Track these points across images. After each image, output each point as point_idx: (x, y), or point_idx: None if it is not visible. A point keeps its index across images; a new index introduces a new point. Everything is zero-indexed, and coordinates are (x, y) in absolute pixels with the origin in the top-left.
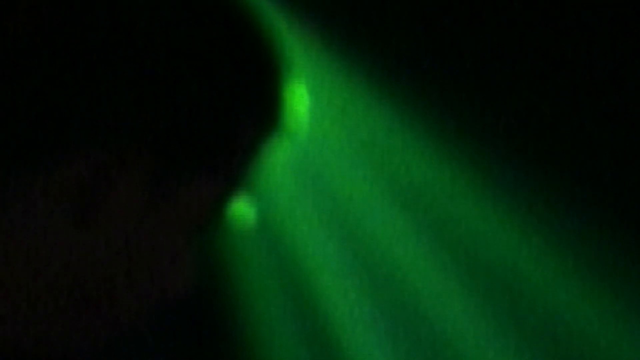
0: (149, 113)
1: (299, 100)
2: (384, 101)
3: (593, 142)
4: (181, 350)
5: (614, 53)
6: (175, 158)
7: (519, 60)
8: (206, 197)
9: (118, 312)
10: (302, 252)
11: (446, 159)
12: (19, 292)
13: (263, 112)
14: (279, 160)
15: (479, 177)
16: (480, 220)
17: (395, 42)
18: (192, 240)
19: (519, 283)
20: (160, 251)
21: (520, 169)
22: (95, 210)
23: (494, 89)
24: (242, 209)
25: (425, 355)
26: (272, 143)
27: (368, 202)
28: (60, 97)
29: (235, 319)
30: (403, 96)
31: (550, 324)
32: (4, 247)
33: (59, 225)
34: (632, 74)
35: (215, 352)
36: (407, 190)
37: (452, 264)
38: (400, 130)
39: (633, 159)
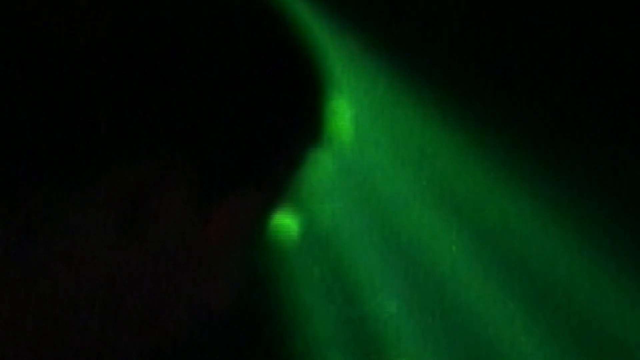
0: (196, 122)
1: (343, 109)
2: (426, 106)
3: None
4: None
5: None
6: (221, 168)
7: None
8: (252, 208)
9: (160, 327)
10: (347, 261)
11: (491, 163)
12: (62, 307)
13: (308, 122)
14: (323, 170)
15: (526, 183)
16: (530, 226)
17: (436, 45)
18: (236, 252)
19: (572, 290)
20: (206, 263)
21: (570, 177)
22: (142, 220)
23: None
24: (286, 221)
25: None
26: (317, 154)
27: (413, 208)
28: (108, 105)
29: (278, 332)
30: (445, 100)
31: (602, 329)
32: (47, 260)
33: (105, 237)
34: None
35: None
36: (454, 196)
37: (497, 267)
38: (444, 134)
39: None
